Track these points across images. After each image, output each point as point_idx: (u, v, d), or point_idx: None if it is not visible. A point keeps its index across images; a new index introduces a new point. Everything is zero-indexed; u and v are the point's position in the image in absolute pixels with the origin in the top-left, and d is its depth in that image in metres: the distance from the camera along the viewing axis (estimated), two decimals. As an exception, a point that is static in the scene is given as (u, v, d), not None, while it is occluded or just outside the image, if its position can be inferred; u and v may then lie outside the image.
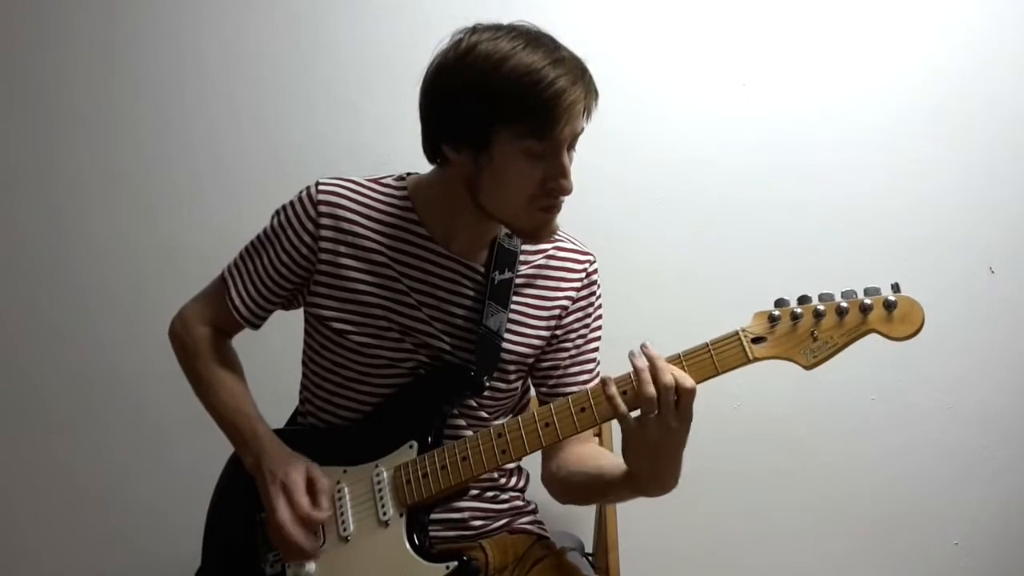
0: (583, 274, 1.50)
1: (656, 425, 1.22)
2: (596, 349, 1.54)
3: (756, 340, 1.27)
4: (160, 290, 2.13)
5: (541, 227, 1.37)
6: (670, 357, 1.28)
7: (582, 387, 1.48)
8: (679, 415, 1.22)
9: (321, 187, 1.43)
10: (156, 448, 2.14)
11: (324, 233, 1.42)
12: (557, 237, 1.49)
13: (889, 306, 1.24)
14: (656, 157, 2.13)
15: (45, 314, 2.16)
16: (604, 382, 1.27)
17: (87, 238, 2.15)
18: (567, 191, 1.33)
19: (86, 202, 2.15)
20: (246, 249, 1.51)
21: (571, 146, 1.34)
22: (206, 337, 1.52)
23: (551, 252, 1.50)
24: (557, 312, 1.48)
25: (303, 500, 1.37)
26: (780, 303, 1.28)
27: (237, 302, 1.48)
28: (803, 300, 1.27)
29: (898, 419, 2.16)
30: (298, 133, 2.13)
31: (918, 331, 1.24)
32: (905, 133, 2.14)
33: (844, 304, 1.25)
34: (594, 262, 1.52)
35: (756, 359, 1.26)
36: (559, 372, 1.51)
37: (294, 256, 1.44)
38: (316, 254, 1.43)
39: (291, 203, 1.45)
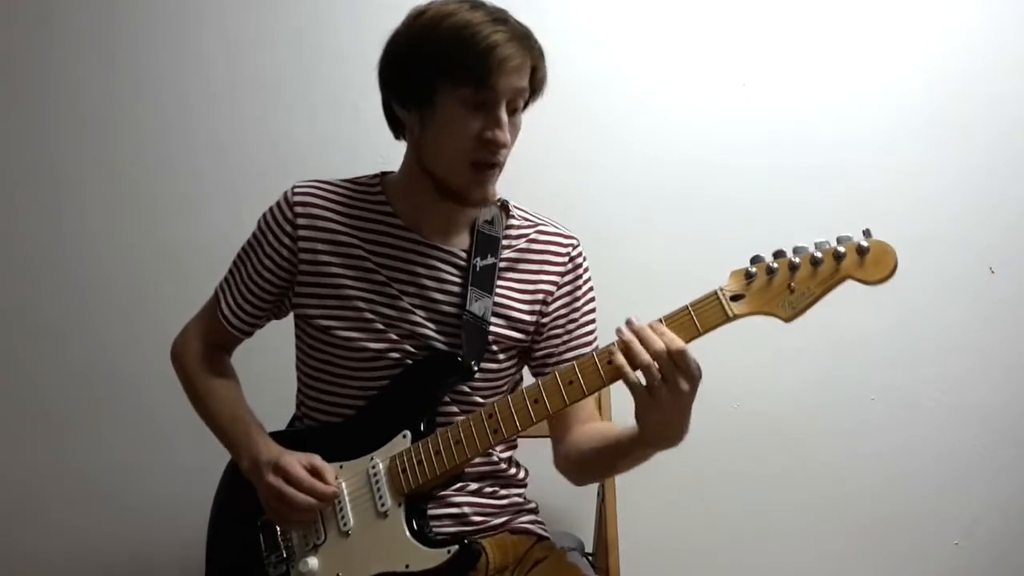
0: (567, 258, 1.52)
1: (666, 390, 1.23)
2: (590, 332, 1.54)
3: (735, 298, 1.27)
4: (161, 290, 2.14)
5: (473, 187, 1.39)
6: (651, 323, 1.29)
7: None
8: (685, 375, 1.23)
9: (296, 189, 1.49)
10: (156, 448, 2.14)
11: (302, 233, 1.46)
12: (539, 220, 1.53)
13: (862, 251, 1.25)
14: (656, 157, 2.13)
15: (45, 314, 2.16)
16: (609, 352, 1.27)
17: (88, 238, 2.15)
18: (501, 142, 1.35)
19: (86, 202, 2.15)
20: (233, 263, 1.55)
21: (515, 107, 1.37)
22: (199, 352, 1.56)
23: (532, 236, 1.52)
24: (541, 296, 1.50)
25: (304, 476, 1.38)
26: (755, 260, 1.28)
27: (227, 312, 1.53)
28: (778, 255, 1.28)
29: (898, 419, 2.16)
30: (299, 133, 2.13)
31: (892, 273, 1.25)
32: (905, 134, 2.14)
33: (818, 254, 1.25)
34: (578, 246, 1.54)
35: (736, 316, 1.27)
36: (554, 360, 1.52)
37: (275, 259, 1.48)
38: (296, 254, 1.47)
39: (270, 209, 1.50)
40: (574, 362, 1.33)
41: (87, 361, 2.15)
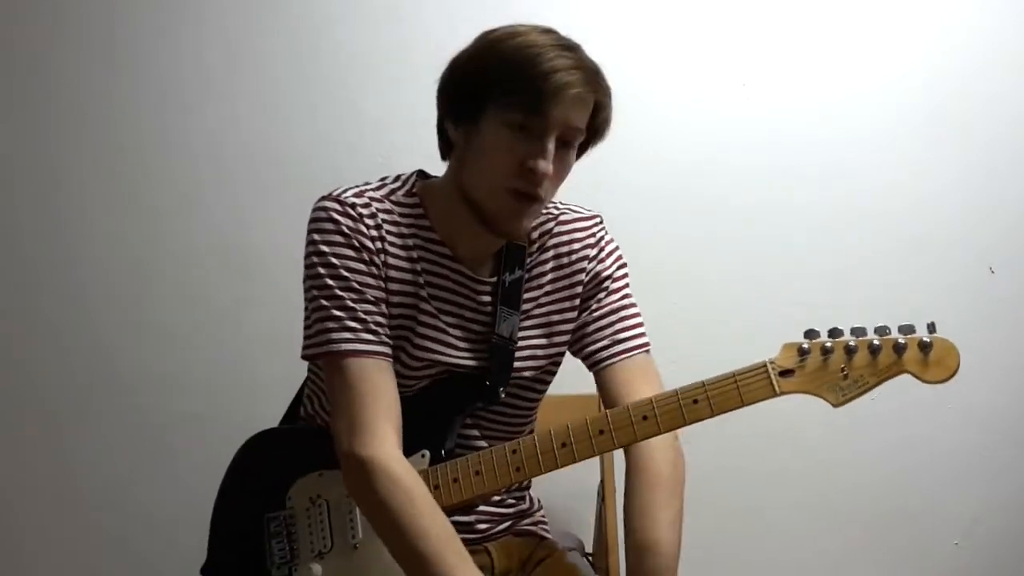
0: (593, 238, 1.46)
1: None
2: (626, 296, 1.47)
3: (784, 373, 1.23)
4: (160, 290, 2.13)
5: (510, 216, 1.32)
6: (693, 385, 1.26)
7: (612, 337, 1.44)
8: None
9: (355, 202, 1.35)
10: (157, 448, 2.14)
11: (378, 245, 1.36)
12: (558, 210, 1.47)
13: (924, 347, 1.21)
14: (656, 157, 2.13)
15: (45, 314, 2.15)
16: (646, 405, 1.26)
17: (88, 238, 2.15)
18: (543, 172, 1.27)
19: (86, 202, 2.15)
20: (326, 308, 1.33)
21: (566, 141, 1.30)
22: (408, 468, 1.29)
23: (555, 230, 1.45)
24: (580, 290, 1.45)
25: None
26: (810, 334, 1.23)
27: (373, 347, 1.33)
28: (834, 333, 1.23)
29: (898, 418, 2.16)
30: (299, 133, 2.12)
31: (953, 375, 1.22)
32: (905, 133, 2.14)
33: (877, 342, 1.21)
34: (600, 222, 1.48)
35: (783, 393, 1.23)
36: (590, 328, 1.45)
37: (372, 269, 1.35)
38: (378, 262, 1.37)
39: (334, 223, 1.34)
40: (607, 411, 1.30)
41: (87, 361, 2.15)
